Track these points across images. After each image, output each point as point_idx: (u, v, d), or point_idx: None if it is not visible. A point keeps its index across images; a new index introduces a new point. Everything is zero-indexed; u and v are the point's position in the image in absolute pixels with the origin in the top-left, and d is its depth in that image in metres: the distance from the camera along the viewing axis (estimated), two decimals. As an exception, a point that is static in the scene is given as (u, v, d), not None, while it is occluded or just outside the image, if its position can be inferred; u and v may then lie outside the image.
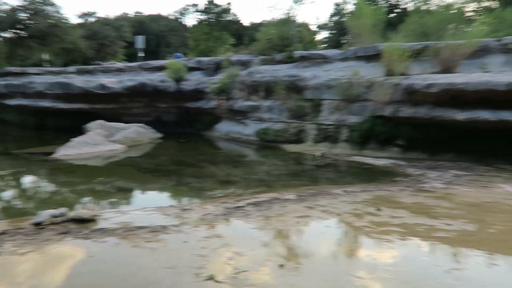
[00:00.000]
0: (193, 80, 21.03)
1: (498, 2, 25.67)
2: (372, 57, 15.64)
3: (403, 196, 8.22)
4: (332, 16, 39.10)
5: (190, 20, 70.03)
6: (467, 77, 11.80)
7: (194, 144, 17.94)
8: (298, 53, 18.79)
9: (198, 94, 20.68)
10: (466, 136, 12.62)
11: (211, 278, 4.36)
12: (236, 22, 41.39)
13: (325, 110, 15.93)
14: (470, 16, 23.87)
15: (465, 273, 4.70)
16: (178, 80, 20.95)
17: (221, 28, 31.14)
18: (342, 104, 15.35)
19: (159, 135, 18.62)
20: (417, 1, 30.29)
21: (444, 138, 13.00)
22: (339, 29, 34.15)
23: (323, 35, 39.80)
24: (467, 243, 5.63)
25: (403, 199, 8.01)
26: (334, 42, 33.33)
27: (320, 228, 6.42)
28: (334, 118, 15.47)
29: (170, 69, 21.08)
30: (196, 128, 21.08)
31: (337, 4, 39.50)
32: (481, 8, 26.32)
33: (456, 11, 20.50)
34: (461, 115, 11.73)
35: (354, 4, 29.60)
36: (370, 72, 15.10)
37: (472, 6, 27.20)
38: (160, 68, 22.17)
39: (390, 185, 9.41)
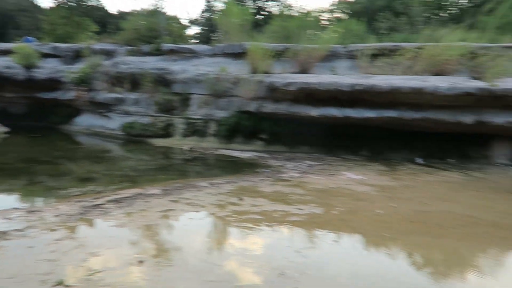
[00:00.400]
0: (48, 68, 18.82)
1: (347, 15, 29.49)
2: (239, 54, 16.26)
3: (263, 186, 8.79)
4: (203, 12, 39.32)
5: (45, 1, 62.25)
6: (319, 78, 13.20)
7: (49, 139, 16.06)
8: (166, 46, 18.39)
9: (53, 83, 18.57)
10: (321, 131, 14.16)
11: (60, 283, 3.99)
12: (101, 9, 38.32)
13: (193, 105, 15.98)
14: (324, 24, 26.82)
15: (312, 251, 5.27)
16: (29, 67, 18.48)
17: (83, 13, 28.45)
18: (210, 99, 15.61)
19: (4, 129, 16.16)
20: (281, 6, 32.70)
21: (302, 132, 14.32)
22: (210, 25, 34.54)
23: (194, 30, 39.83)
24: (316, 224, 6.31)
25: (263, 188, 8.56)
26: (205, 38, 33.58)
27: (183, 221, 6.43)
28: (202, 113, 15.63)
29: (19, 54, 18.44)
30: (51, 121, 18.93)
31: (208, 1, 39.86)
32: (333, 18, 29.89)
33: (313, 18, 22.71)
34: (314, 112, 13.09)
35: (224, 2, 30.37)
36: (237, 69, 15.66)
37: (326, 16, 30.73)
38: (6, 52, 19.16)
39: (252, 176, 9.95)
